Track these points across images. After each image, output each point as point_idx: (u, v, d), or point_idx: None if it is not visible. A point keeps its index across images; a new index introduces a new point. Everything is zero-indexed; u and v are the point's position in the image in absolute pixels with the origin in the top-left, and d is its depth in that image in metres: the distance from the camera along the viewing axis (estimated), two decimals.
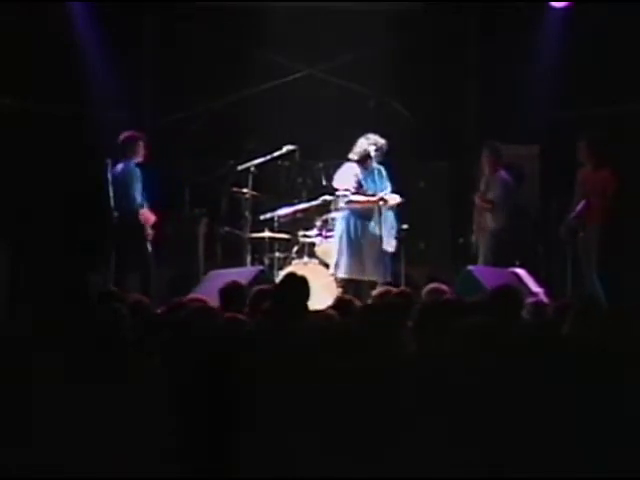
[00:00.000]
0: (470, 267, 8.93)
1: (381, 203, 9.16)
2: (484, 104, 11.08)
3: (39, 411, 4.50)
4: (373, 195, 9.24)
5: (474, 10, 11.25)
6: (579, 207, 9.29)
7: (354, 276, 9.20)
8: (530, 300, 6.34)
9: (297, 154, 10.21)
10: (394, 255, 9.41)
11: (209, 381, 4.60)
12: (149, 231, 9.34)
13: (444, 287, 6.73)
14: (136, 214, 9.25)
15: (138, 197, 9.26)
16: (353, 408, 4.50)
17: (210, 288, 8.08)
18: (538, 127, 10.65)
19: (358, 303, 6.44)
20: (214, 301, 6.30)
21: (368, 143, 9.20)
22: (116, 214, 9.19)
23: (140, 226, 9.26)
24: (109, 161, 9.26)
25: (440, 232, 10.24)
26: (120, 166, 9.29)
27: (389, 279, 9.14)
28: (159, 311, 6.11)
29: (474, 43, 11.33)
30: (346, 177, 9.35)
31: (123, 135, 9.37)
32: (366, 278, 9.16)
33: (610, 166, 9.26)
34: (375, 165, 9.30)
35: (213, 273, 9.18)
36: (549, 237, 10.30)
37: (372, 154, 9.18)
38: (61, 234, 10.22)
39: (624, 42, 10.26)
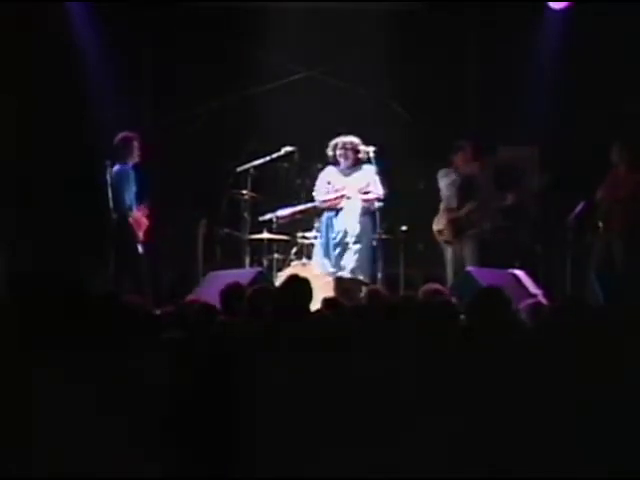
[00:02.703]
0: (469, 268, 8.95)
1: (343, 201, 9.29)
2: (484, 105, 11.07)
3: (39, 411, 4.51)
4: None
5: (474, 10, 11.24)
6: (578, 208, 9.29)
7: (325, 271, 9.23)
8: (528, 301, 6.34)
9: (296, 155, 10.21)
10: (382, 254, 9.43)
11: (209, 381, 4.61)
12: (140, 234, 9.34)
13: (441, 288, 6.75)
14: (126, 216, 9.25)
15: (127, 200, 9.26)
16: (353, 408, 4.52)
17: (209, 289, 8.10)
18: (538, 128, 10.64)
19: (348, 303, 6.48)
20: (214, 302, 6.31)
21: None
22: (115, 215, 9.20)
23: (129, 228, 9.26)
24: (109, 162, 9.27)
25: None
26: (115, 168, 9.29)
27: (366, 279, 9.13)
28: (159, 312, 6.12)
29: (474, 43, 11.31)
30: (320, 178, 9.53)
31: (118, 137, 9.38)
32: (342, 275, 9.18)
33: None
34: (366, 166, 9.35)
35: (212, 274, 9.19)
36: (549, 238, 10.30)
37: (329, 152, 9.37)
38: (60, 234, 10.22)
39: (624, 42, 10.26)
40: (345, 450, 4.47)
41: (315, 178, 9.75)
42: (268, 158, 9.98)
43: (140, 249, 9.33)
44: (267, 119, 10.81)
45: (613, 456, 4.47)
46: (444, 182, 9.76)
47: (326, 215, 9.47)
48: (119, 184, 9.24)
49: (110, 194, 9.15)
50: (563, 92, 10.58)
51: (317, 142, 10.02)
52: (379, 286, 8.64)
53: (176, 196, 10.63)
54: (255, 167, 9.92)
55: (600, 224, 9.24)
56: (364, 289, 8.69)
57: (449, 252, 9.72)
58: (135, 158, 9.37)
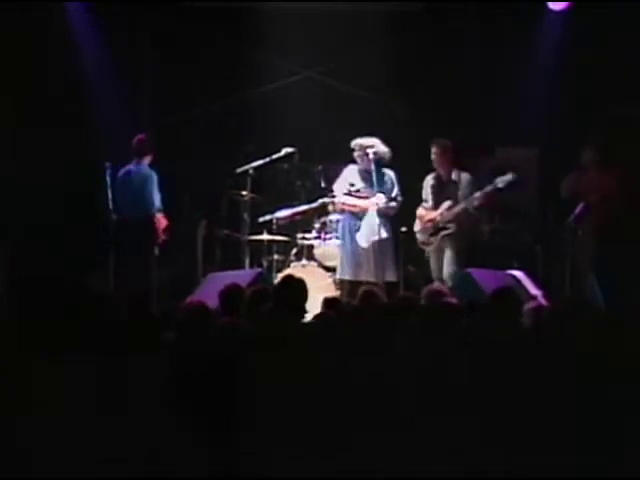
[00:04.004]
0: (469, 269, 8.92)
1: (370, 208, 9.20)
2: (484, 105, 11.07)
3: (38, 411, 4.51)
4: (366, 197, 9.27)
5: (474, 10, 11.24)
6: (578, 209, 9.30)
7: (353, 277, 9.19)
8: (530, 304, 6.34)
9: (296, 156, 10.19)
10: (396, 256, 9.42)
11: (209, 382, 4.61)
12: (161, 235, 9.37)
13: (443, 289, 6.74)
14: (152, 217, 9.26)
15: (157, 200, 9.28)
16: (353, 408, 4.52)
17: (209, 290, 8.10)
18: (538, 128, 10.64)
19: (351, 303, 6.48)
20: (213, 303, 6.31)
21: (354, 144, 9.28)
22: (115, 217, 9.18)
23: (154, 229, 9.28)
24: (108, 163, 9.27)
25: None
26: (133, 168, 9.29)
27: (385, 279, 9.09)
28: (159, 312, 6.13)
29: (474, 43, 11.30)
30: (341, 179, 9.42)
31: (137, 137, 9.40)
32: (362, 279, 9.12)
33: (614, 169, 9.25)
34: (388, 173, 9.31)
35: (212, 275, 9.18)
36: (548, 238, 10.29)
37: (354, 154, 9.24)
38: (61, 235, 10.22)
39: (624, 42, 10.26)
40: (345, 450, 4.47)
41: (315, 179, 9.73)
42: (268, 159, 9.97)
43: (157, 251, 9.37)
44: (267, 120, 10.81)
45: (613, 456, 4.48)
46: (425, 182, 9.72)
47: (347, 220, 9.37)
48: (144, 184, 9.24)
49: (110, 195, 9.16)
50: (563, 92, 10.58)
51: (317, 143, 10.03)
52: (377, 287, 8.60)
53: (176, 197, 10.62)
54: (255, 168, 9.92)
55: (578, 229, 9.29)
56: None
57: (428, 254, 9.63)
58: (150, 159, 9.41)
